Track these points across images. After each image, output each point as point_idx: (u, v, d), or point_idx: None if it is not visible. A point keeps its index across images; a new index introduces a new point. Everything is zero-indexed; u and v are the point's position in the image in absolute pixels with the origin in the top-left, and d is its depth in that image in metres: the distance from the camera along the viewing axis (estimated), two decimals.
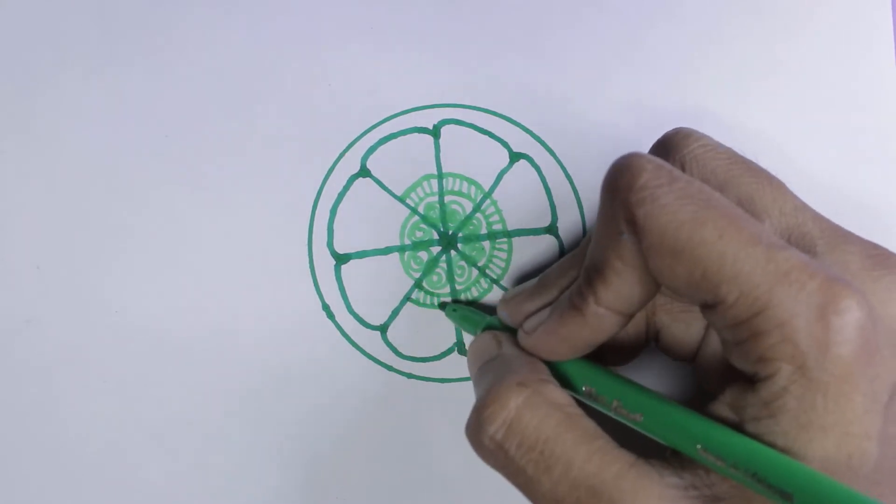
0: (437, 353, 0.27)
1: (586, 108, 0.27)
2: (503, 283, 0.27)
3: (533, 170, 0.27)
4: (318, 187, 0.27)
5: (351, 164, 0.27)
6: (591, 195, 0.27)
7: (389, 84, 0.27)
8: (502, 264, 0.27)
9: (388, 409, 0.26)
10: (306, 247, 0.27)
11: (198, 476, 0.26)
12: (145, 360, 0.26)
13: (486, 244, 0.27)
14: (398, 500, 0.26)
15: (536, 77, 0.27)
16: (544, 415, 0.19)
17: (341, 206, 0.27)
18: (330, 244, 0.27)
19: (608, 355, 0.23)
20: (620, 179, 0.18)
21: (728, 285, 0.17)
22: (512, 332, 0.23)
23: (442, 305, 0.27)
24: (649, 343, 0.24)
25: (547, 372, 0.21)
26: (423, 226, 0.27)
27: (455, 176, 0.27)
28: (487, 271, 0.27)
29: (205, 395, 0.26)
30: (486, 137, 0.27)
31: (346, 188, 0.27)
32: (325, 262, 0.27)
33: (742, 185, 0.21)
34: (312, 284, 0.26)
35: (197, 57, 0.27)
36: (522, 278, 0.27)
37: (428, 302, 0.27)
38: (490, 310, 0.26)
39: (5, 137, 0.26)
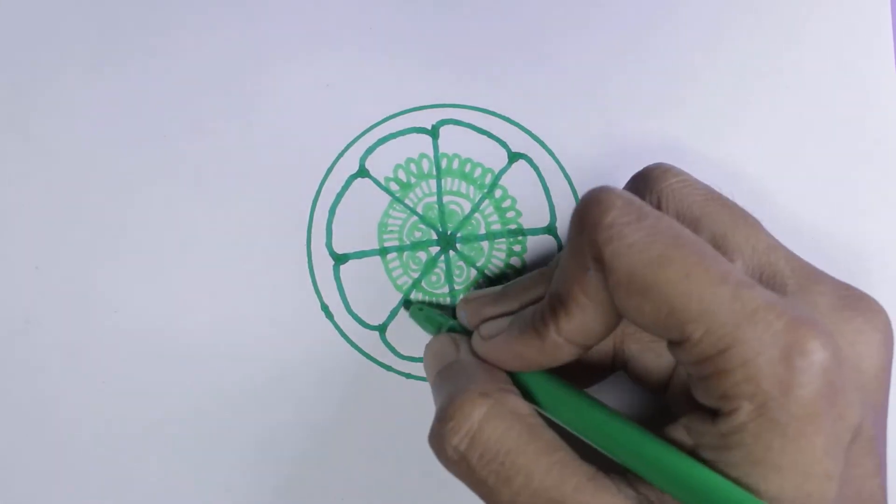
0: None
1: (585, 109, 0.27)
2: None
3: (532, 170, 0.27)
4: (316, 187, 0.27)
5: (350, 164, 0.27)
6: None
7: (388, 84, 0.27)
8: (501, 264, 0.27)
9: (387, 409, 0.26)
10: (305, 247, 0.27)
11: (197, 475, 0.26)
12: (144, 359, 0.26)
13: (485, 244, 0.27)
14: (397, 499, 0.26)
15: (535, 77, 0.27)
16: (506, 426, 0.19)
17: (340, 206, 0.27)
18: (329, 244, 0.27)
19: (573, 376, 0.23)
20: (588, 215, 0.18)
21: (694, 324, 0.17)
22: (470, 335, 0.23)
23: (407, 305, 0.27)
24: (616, 370, 0.24)
25: (507, 380, 0.21)
26: (421, 226, 0.27)
27: (454, 176, 0.27)
28: (486, 271, 0.27)
29: (203, 394, 0.26)
30: (485, 137, 0.27)
31: (345, 188, 0.27)
32: (323, 263, 0.27)
33: (716, 221, 0.21)
34: (311, 284, 0.26)
35: (196, 57, 0.27)
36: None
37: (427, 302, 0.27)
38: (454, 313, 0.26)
39: (5, 137, 0.26)
